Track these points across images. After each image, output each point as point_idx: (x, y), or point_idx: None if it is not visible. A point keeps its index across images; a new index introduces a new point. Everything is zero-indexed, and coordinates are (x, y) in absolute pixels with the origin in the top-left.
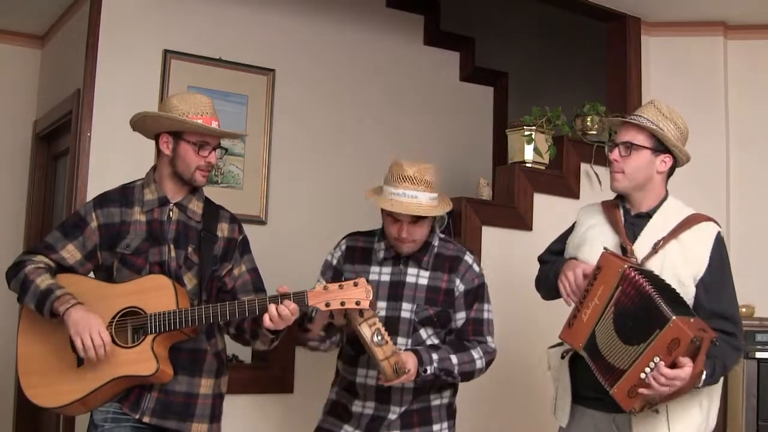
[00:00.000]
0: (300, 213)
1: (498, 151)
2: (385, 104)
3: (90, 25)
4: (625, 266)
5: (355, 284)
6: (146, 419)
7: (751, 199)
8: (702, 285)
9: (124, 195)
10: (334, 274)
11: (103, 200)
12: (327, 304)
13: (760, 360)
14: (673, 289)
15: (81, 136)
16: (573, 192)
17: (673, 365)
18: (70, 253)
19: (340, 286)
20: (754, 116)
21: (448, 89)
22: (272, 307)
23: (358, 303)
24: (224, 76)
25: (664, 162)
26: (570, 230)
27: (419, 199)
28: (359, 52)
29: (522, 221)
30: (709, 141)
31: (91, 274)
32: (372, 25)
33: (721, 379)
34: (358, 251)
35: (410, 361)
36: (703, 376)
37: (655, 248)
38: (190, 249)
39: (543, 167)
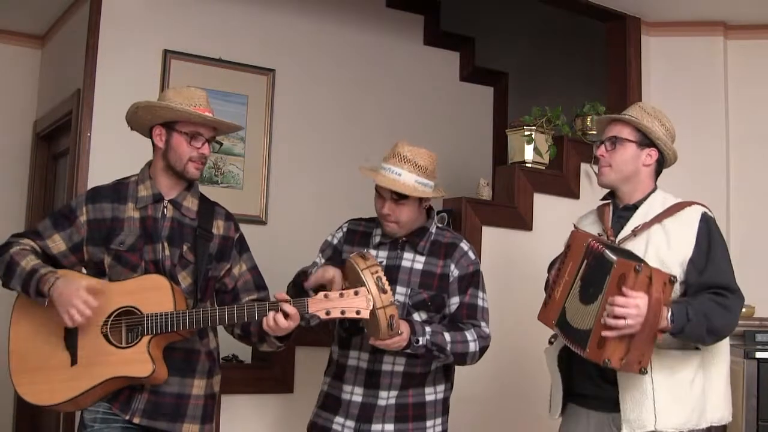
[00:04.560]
0: (300, 213)
1: (498, 151)
2: (385, 104)
3: (90, 25)
4: (590, 239)
5: (356, 293)
6: (136, 420)
7: (751, 199)
8: (692, 265)
9: (116, 191)
10: (333, 252)
11: (96, 195)
12: (327, 312)
13: (760, 360)
14: (633, 253)
15: (81, 136)
16: (573, 192)
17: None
18: (56, 242)
19: (341, 294)
20: (753, 116)
21: (448, 89)
22: (270, 316)
23: (358, 312)
24: (224, 76)
25: (649, 155)
26: None
27: (403, 178)
28: (359, 52)
29: (522, 221)
30: (709, 141)
31: (84, 271)
32: (372, 25)
33: (726, 367)
34: (359, 234)
35: (403, 326)
36: (668, 313)
37: (634, 232)
38: (185, 247)
39: (543, 167)
